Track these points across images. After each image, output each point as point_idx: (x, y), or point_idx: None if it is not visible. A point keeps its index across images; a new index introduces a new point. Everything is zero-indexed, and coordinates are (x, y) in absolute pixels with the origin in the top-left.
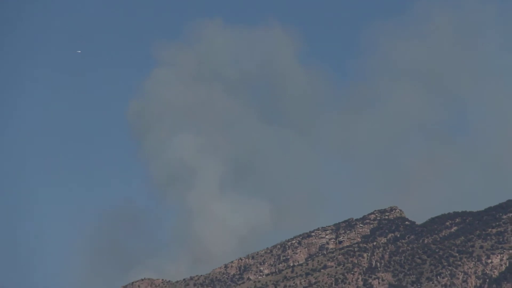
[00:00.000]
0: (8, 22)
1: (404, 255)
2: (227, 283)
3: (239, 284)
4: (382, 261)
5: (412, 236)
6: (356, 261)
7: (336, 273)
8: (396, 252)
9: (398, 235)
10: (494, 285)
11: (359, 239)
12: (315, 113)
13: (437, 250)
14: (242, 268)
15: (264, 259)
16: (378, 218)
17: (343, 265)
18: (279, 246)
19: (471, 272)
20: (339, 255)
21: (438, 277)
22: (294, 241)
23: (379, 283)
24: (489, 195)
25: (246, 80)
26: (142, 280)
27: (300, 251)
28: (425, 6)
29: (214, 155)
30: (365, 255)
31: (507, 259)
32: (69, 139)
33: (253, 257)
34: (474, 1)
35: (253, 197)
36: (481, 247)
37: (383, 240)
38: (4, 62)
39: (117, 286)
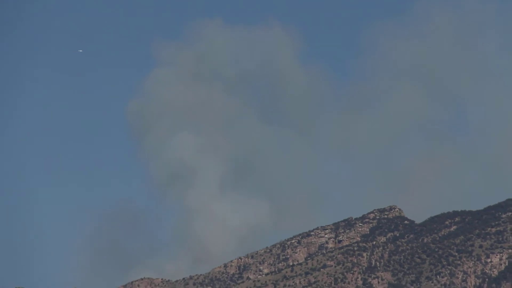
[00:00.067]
0: (8, 22)
1: (403, 254)
2: (227, 283)
3: (239, 284)
4: (382, 260)
5: (412, 236)
6: (355, 261)
7: (336, 272)
8: (396, 251)
9: (398, 235)
10: (494, 285)
11: (358, 239)
12: (315, 113)
13: (436, 250)
14: (242, 267)
15: (264, 258)
16: (377, 217)
17: (343, 265)
18: (278, 246)
19: (470, 272)
20: (338, 254)
21: (438, 276)
22: (293, 241)
23: (378, 282)
24: (489, 195)
25: (246, 80)
26: (142, 279)
27: (300, 251)
28: (425, 6)
29: (214, 155)
30: (364, 254)
31: (506, 258)
32: (69, 139)
33: (252, 257)
34: (474, 1)
35: (252, 197)
36: (481, 246)
37: (383, 239)
38: (4, 62)
39: (116, 286)
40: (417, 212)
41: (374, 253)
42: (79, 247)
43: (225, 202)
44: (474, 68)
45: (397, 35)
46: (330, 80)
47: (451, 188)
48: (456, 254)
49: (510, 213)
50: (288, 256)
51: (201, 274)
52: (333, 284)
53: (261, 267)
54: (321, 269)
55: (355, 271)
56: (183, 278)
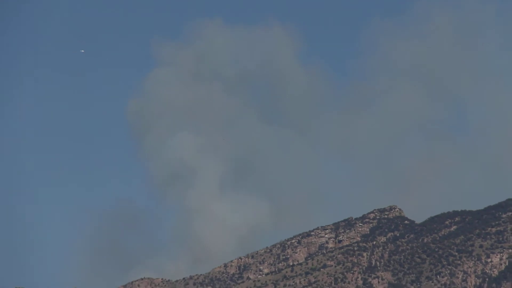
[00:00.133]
0: (8, 22)
1: (403, 254)
2: (227, 283)
3: (239, 284)
4: (382, 260)
5: (412, 235)
6: (355, 260)
7: (336, 272)
8: (396, 251)
9: (398, 234)
10: (494, 284)
11: (358, 238)
12: (315, 113)
13: (436, 249)
14: (242, 267)
15: (264, 258)
16: (377, 217)
17: (343, 264)
18: (278, 246)
19: (470, 271)
20: (338, 254)
21: (438, 276)
22: (293, 241)
23: (378, 282)
24: (489, 194)
25: (246, 79)
26: (142, 279)
27: (300, 250)
28: (425, 6)
29: (214, 154)
30: (364, 254)
31: (506, 258)
32: (69, 139)
33: (252, 257)
34: (474, 1)
35: (252, 197)
36: (481, 246)
37: (383, 239)
38: (4, 62)
39: (116, 286)
40: (417, 212)
41: (374, 253)
42: (79, 247)
43: (225, 202)
44: (474, 68)
45: (397, 35)
46: (330, 80)
47: (451, 188)
48: (456, 254)
49: (510, 213)
50: (288, 256)
51: (201, 274)
52: (333, 284)
53: (261, 267)
54: (321, 269)
55: (355, 271)
56: (183, 278)
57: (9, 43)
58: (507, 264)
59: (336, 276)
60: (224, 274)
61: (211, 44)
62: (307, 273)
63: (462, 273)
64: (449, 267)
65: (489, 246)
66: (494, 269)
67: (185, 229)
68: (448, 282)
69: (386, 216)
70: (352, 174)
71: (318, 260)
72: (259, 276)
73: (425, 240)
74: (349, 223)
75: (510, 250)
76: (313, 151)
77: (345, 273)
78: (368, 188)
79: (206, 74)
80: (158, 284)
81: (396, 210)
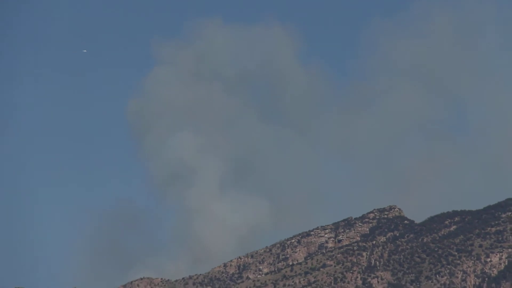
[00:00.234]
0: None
1: (403, 254)
2: (226, 282)
3: (238, 283)
4: (381, 260)
5: (411, 235)
6: (355, 260)
7: (335, 272)
8: (395, 251)
9: (397, 234)
10: (493, 284)
11: (358, 238)
12: (315, 113)
13: (436, 249)
14: (242, 267)
15: (263, 258)
16: (377, 217)
17: (342, 264)
18: (278, 245)
19: (470, 271)
20: (338, 254)
21: (437, 276)
22: (293, 240)
23: (378, 282)
24: (488, 194)
25: (246, 79)
26: (141, 279)
27: (299, 250)
28: (425, 5)
29: (214, 154)
30: (364, 254)
31: (506, 258)
32: (69, 139)
33: (252, 256)
34: (474, 1)
35: (252, 197)
36: (480, 246)
37: (382, 239)
38: (4, 62)
39: (116, 286)
40: (417, 211)
41: (374, 252)
42: (79, 247)
43: (225, 201)
44: (474, 68)
45: (397, 34)
46: (330, 80)
47: (451, 187)
48: (456, 253)
49: (510, 213)
50: (288, 256)
51: (200, 274)
52: (332, 284)
53: (261, 267)
54: (321, 269)
55: (355, 270)
56: (183, 278)
57: (9, 43)
58: (506, 263)
59: (335, 275)
60: (223, 274)
61: (211, 44)
62: (306, 273)
63: (461, 272)
64: (448, 266)
65: (488, 246)
66: (494, 269)
67: (185, 229)
68: (447, 282)
69: (385, 216)
70: (352, 174)
71: (317, 259)
72: (258, 276)
73: (425, 240)
74: (348, 223)
75: (509, 250)
76: (313, 151)
77: (345, 273)
78: (368, 188)
79: (206, 74)
80: (158, 284)
81: (395, 210)
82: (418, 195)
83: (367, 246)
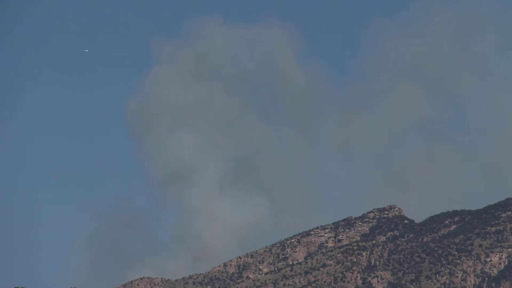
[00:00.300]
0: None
1: (403, 253)
2: (226, 282)
3: (238, 283)
4: (381, 259)
5: (411, 235)
6: (355, 260)
7: (335, 271)
8: (395, 250)
9: (397, 234)
10: (493, 284)
11: (358, 238)
12: (315, 112)
13: (436, 249)
14: (241, 266)
15: (263, 257)
16: (377, 216)
17: (342, 264)
18: (278, 245)
19: (470, 271)
20: (338, 253)
21: (437, 275)
22: (293, 240)
23: (378, 281)
24: (488, 194)
25: (246, 79)
26: (141, 279)
27: (299, 250)
28: (425, 5)
29: (213, 154)
30: (364, 253)
31: (506, 257)
32: (69, 139)
33: (252, 256)
34: (474, 1)
35: (252, 196)
36: (480, 245)
37: (382, 238)
38: (4, 62)
39: (116, 285)
40: (417, 211)
41: (374, 252)
42: (79, 247)
43: (225, 201)
44: (474, 68)
45: (397, 34)
46: (330, 80)
47: (451, 187)
48: (456, 253)
49: (509, 212)
50: (288, 255)
51: (200, 274)
52: (332, 283)
53: (261, 267)
54: (321, 268)
55: (355, 270)
56: (183, 278)
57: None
58: (506, 263)
59: (335, 275)
60: (223, 274)
61: (211, 44)
62: (306, 273)
63: (461, 272)
64: (448, 266)
65: (488, 246)
66: (494, 269)
67: (185, 229)
68: (447, 282)
69: (385, 215)
70: (352, 174)
71: (317, 259)
72: (258, 276)
73: (425, 240)
74: (348, 223)
75: (509, 250)
76: (313, 150)
77: (345, 273)
78: (368, 188)
79: (206, 73)
80: (158, 283)
81: (395, 209)
82: (418, 195)
83: (367, 245)
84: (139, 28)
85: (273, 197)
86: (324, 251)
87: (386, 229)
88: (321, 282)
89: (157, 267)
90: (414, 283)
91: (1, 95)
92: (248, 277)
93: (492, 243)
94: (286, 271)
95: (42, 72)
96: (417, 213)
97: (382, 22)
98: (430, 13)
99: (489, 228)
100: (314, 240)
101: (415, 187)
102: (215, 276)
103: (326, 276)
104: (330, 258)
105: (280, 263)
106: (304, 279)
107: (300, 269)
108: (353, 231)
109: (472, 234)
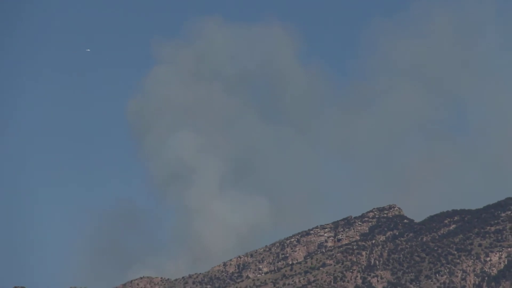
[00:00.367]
0: (8, 22)
1: (402, 253)
2: (226, 281)
3: (238, 283)
4: (381, 259)
5: (411, 234)
6: (354, 259)
7: (335, 271)
8: (395, 250)
9: (397, 233)
10: (493, 283)
11: (357, 237)
12: (314, 112)
13: (435, 248)
14: (241, 266)
15: (263, 257)
16: (376, 216)
17: (342, 263)
18: (278, 244)
19: (469, 270)
20: (338, 253)
21: (437, 275)
22: (293, 239)
23: (377, 281)
24: (488, 193)
25: (246, 79)
26: (141, 278)
27: (299, 249)
28: (425, 5)
29: (213, 154)
30: (363, 253)
31: (505, 257)
32: (69, 139)
33: (252, 255)
34: (474, 1)
35: (252, 196)
36: (480, 245)
37: (382, 238)
38: (4, 62)
39: (116, 285)
40: (417, 211)
41: (374, 251)
42: (79, 247)
43: (224, 201)
44: (474, 68)
45: (397, 34)
46: (330, 80)
47: (451, 187)
48: (455, 252)
49: (509, 212)
50: (288, 255)
51: (200, 273)
52: (332, 283)
53: (261, 266)
54: (321, 268)
55: (355, 269)
56: (183, 277)
57: (9, 43)
58: (506, 263)
59: (335, 275)
60: (223, 273)
61: (211, 44)
62: (306, 272)
63: (461, 272)
64: (448, 266)
65: (488, 245)
66: (493, 268)
67: (184, 229)
68: (447, 281)
69: (385, 215)
70: (352, 174)
71: (317, 259)
72: (258, 275)
73: (424, 239)
74: (348, 222)
75: (509, 249)
76: (313, 150)
77: (344, 272)
78: (368, 187)
79: (206, 73)
80: (158, 283)
81: (395, 209)
82: (417, 195)
83: (366, 245)
84: (139, 28)
85: (273, 197)
86: (323, 250)
87: (385, 229)
88: (320, 281)
89: (157, 266)
90: (413, 283)
91: (1, 95)
92: (248, 277)
93: (491, 242)
94: (286, 271)
95: (42, 72)
96: (417, 213)
97: (382, 22)
98: (430, 13)
99: (488, 227)
100: (314, 240)
101: (415, 187)
102: (215, 275)
103: (326, 275)
104: (329, 258)
105: (280, 263)
106: (303, 279)
107: (300, 268)
108: (353, 230)
109: (471, 234)
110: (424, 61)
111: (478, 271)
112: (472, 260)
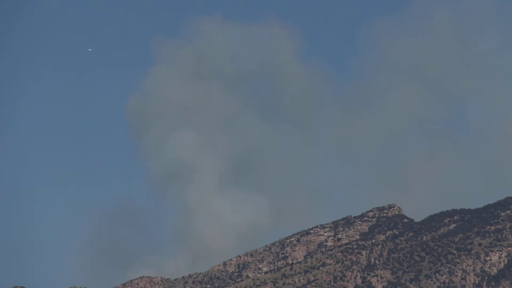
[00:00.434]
0: (8, 22)
1: (402, 252)
2: (226, 281)
3: (238, 282)
4: (381, 258)
5: (411, 234)
6: (354, 259)
7: (335, 270)
8: (395, 249)
9: (397, 233)
10: (493, 283)
11: (357, 237)
12: (314, 111)
13: (435, 248)
14: (241, 265)
15: (263, 256)
16: (376, 215)
17: (342, 263)
18: (278, 244)
19: (469, 270)
20: (337, 252)
21: (437, 274)
22: (293, 239)
23: (377, 280)
24: (488, 193)
25: (246, 78)
26: (141, 278)
27: (299, 249)
28: (424, 4)
29: (213, 153)
30: (363, 252)
31: (505, 256)
32: (69, 139)
33: (252, 255)
34: (474, 0)
35: (252, 195)
36: (480, 244)
37: (382, 237)
38: (4, 62)
39: (116, 284)
40: (417, 210)
41: (373, 251)
42: (79, 247)
43: (224, 200)
44: (474, 68)
45: (397, 34)
46: (329, 79)
47: (451, 186)
48: (455, 252)
49: (509, 211)
50: (288, 254)
51: (200, 273)
52: (332, 282)
53: (261, 265)
54: (320, 267)
55: (354, 269)
56: (183, 277)
57: (9, 43)
58: (506, 262)
59: (335, 274)
60: (223, 273)
61: (211, 43)
62: (306, 272)
63: (461, 271)
64: (448, 265)
65: (488, 245)
66: (493, 267)
67: (184, 228)
68: (447, 281)
69: (385, 214)
70: (352, 173)
71: (317, 258)
72: (258, 275)
73: (424, 239)
74: (348, 222)
75: (509, 248)
76: (313, 150)
77: (344, 272)
78: (368, 187)
79: (206, 73)
80: (157, 282)
81: (395, 208)
82: (417, 194)
83: (366, 244)
84: (139, 28)
85: (273, 196)
86: (323, 250)
87: (385, 228)
88: (320, 281)
89: (157, 266)
90: (413, 282)
91: (1, 95)
92: (247, 276)
93: (491, 242)
94: (285, 270)
95: (42, 72)
96: (417, 212)
97: (382, 22)
98: (430, 13)
99: (488, 227)
100: (314, 239)
101: (415, 186)
102: (215, 275)
103: (326, 275)
104: (329, 257)
105: (279, 262)
106: (303, 278)
107: (300, 268)
108: (353, 230)
109: (471, 233)
110: (424, 61)
111: (478, 271)
112: (472, 260)
